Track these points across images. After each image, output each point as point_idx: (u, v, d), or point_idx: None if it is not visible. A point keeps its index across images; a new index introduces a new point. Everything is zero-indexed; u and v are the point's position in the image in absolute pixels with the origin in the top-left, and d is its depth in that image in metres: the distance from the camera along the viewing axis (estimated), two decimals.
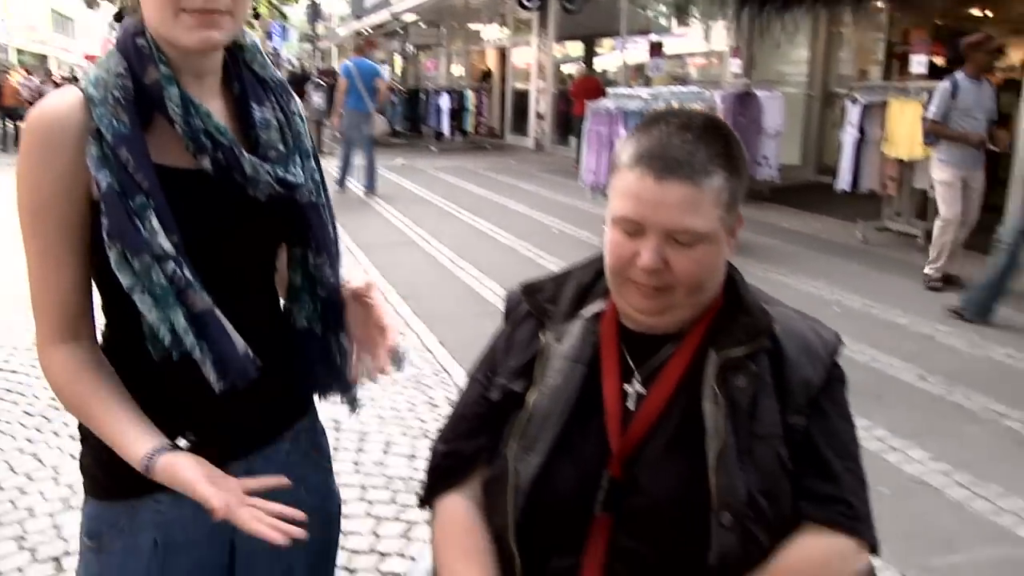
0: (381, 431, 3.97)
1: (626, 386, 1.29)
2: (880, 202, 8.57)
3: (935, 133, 6.46)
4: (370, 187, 11.28)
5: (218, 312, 1.21)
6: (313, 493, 1.46)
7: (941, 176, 6.48)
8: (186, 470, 1.17)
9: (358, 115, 11.03)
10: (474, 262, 7.39)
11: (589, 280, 1.40)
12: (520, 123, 19.34)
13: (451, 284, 6.79)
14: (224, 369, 1.22)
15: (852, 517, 1.21)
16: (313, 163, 1.37)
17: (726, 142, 1.25)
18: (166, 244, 1.16)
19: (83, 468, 1.35)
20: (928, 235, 7.96)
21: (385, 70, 27.68)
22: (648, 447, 1.24)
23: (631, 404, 1.28)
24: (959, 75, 6.39)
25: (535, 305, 1.41)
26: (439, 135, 18.47)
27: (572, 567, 1.23)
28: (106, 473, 1.31)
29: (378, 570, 2.92)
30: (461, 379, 4.55)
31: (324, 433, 1.54)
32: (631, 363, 1.31)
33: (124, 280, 1.16)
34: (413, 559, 2.76)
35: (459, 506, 1.34)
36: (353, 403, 1.47)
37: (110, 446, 1.22)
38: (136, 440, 1.20)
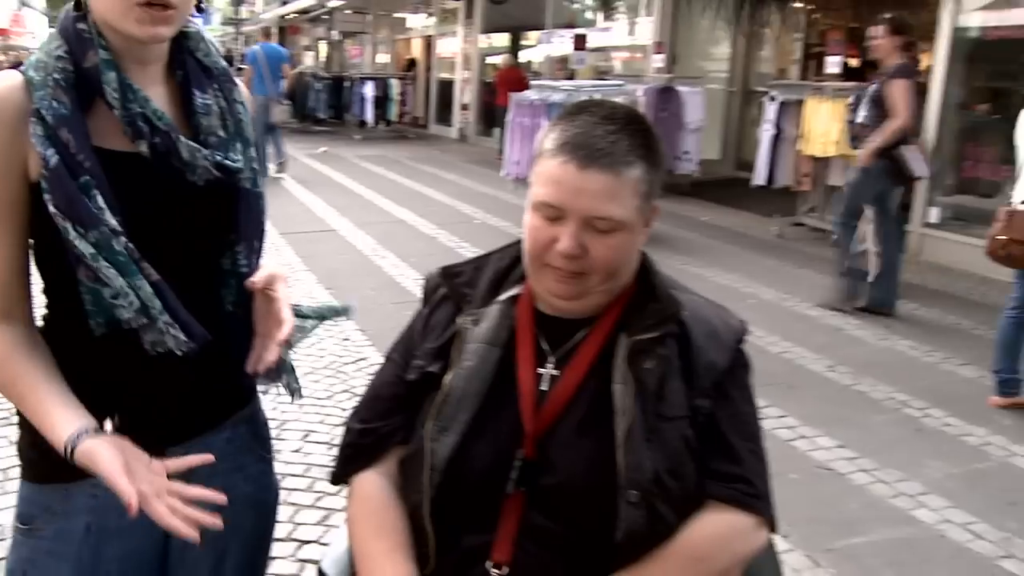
0: (299, 419, 3.95)
1: (540, 368, 1.32)
2: (795, 198, 8.80)
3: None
4: (280, 169, 11.46)
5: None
6: (251, 482, 1.47)
7: None
8: (104, 460, 1.16)
9: (262, 100, 11.10)
10: (395, 251, 7.36)
11: (506, 266, 1.43)
12: (444, 113, 19.28)
13: (371, 273, 6.75)
14: (190, 332, 1.24)
15: (753, 496, 1.27)
16: (253, 151, 1.37)
17: (646, 135, 1.29)
18: (112, 221, 1.17)
19: (20, 451, 1.35)
20: None
21: (309, 56, 27.36)
22: (560, 427, 1.28)
23: (544, 386, 1.31)
24: None
25: (453, 289, 1.43)
26: (362, 123, 18.29)
27: (484, 544, 1.25)
28: (42, 457, 1.29)
29: (296, 557, 2.92)
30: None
31: (266, 424, 1.54)
32: (545, 346, 1.34)
33: (85, 250, 1.16)
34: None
35: (374, 484, 1.36)
36: (293, 391, 1.48)
37: (38, 429, 1.22)
38: (61, 423, 1.20)
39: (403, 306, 5.62)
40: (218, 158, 1.28)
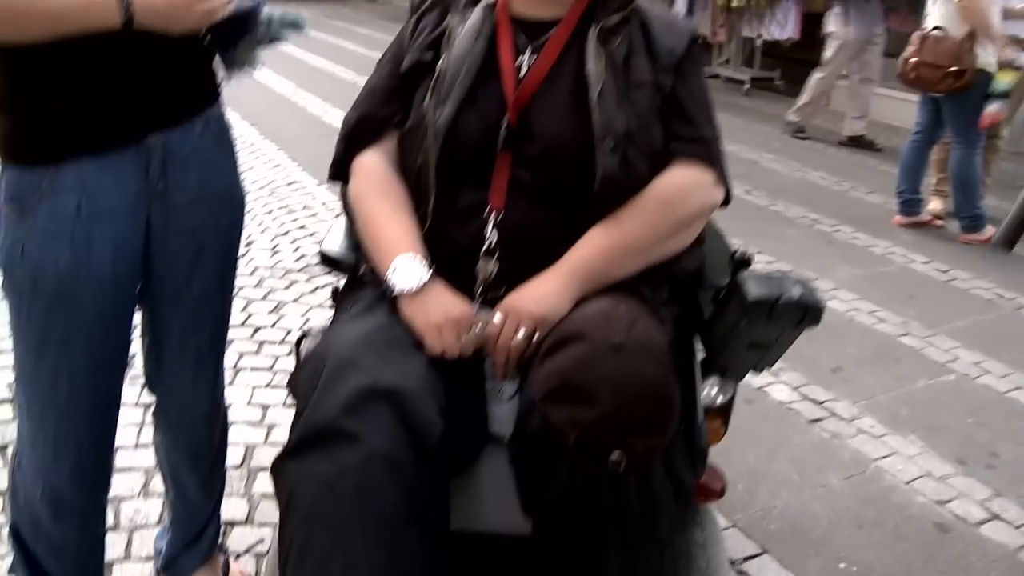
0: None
1: (519, 58, 1.46)
2: (710, 50, 8.93)
3: None
4: None
5: None
6: (223, 177, 1.55)
7: (843, 35, 6.27)
8: None
9: None
10: (316, 93, 7.31)
11: None
12: None
13: (294, 111, 6.72)
14: None
15: (711, 155, 1.44)
16: None
17: None
18: None
19: (1, 137, 1.37)
20: (754, 81, 8.45)
21: None
22: (540, 99, 1.42)
23: (524, 70, 1.45)
24: None
25: None
26: None
27: (480, 199, 1.40)
28: (27, 138, 1.34)
29: (252, 339, 3.05)
30: (315, 187, 4.61)
31: (230, 128, 1.61)
32: (523, 41, 1.47)
33: None
34: (298, 333, 2.88)
35: (376, 160, 1.49)
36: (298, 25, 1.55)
37: (69, 21, 1.23)
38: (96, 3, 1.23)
39: (330, 138, 5.50)
40: None
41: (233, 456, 2.27)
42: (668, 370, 1.16)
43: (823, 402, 2.85)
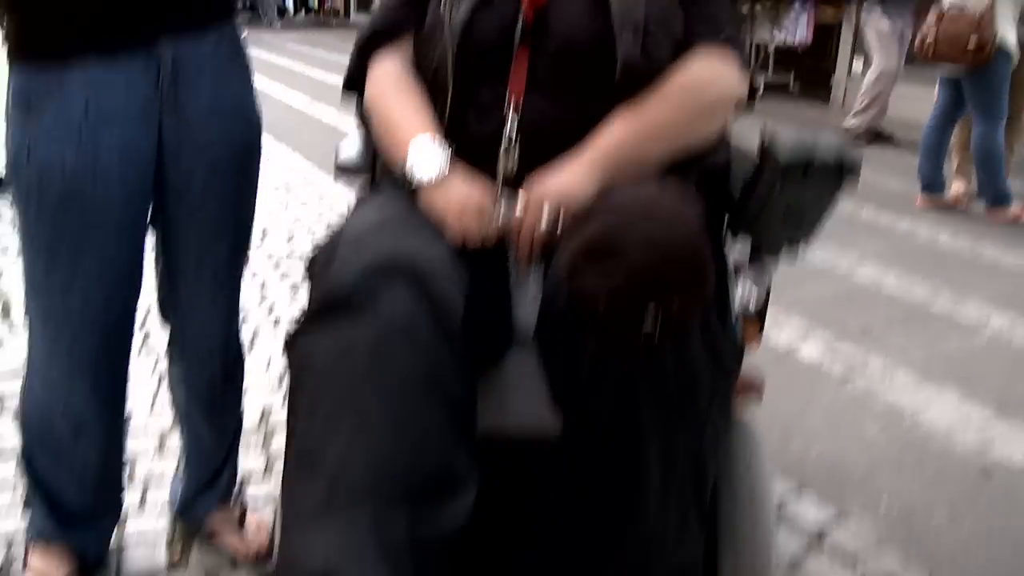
0: (256, 222, 3.97)
1: None
2: None
3: None
4: None
5: None
6: (237, 96, 1.51)
7: (881, 26, 6.26)
8: None
9: None
10: (330, 104, 7.32)
11: None
12: (366, 2, 18.86)
13: (309, 122, 6.75)
14: None
15: (733, 47, 1.38)
16: None
17: None
18: None
19: (7, 38, 1.35)
20: (767, 87, 8.43)
21: None
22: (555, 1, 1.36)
23: None
24: None
25: None
26: (282, 12, 17.80)
27: (499, 94, 1.34)
28: (34, 38, 1.32)
29: (269, 317, 3.01)
30: (330, 184, 4.59)
31: (246, 49, 1.58)
32: None
33: None
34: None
35: (391, 63, 1.45)
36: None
37: None
38: None
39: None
40: None
41: (251, 418, 2.22)
42: (701, 233, 1.10)
43: (854, 360, 2.77)
